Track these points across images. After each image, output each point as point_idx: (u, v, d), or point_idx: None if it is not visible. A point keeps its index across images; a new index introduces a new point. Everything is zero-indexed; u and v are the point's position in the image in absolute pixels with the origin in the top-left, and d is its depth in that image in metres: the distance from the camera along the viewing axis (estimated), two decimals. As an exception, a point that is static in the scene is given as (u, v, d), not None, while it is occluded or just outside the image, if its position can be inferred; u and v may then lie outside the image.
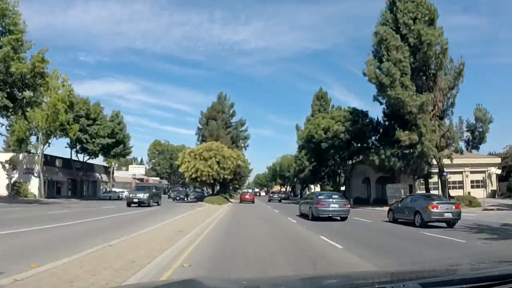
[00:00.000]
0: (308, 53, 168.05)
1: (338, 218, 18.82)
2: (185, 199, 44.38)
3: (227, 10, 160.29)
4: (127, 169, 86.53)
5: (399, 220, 17.73)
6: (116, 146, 44.80)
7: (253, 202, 43.40)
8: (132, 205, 28.29)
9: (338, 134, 39.12)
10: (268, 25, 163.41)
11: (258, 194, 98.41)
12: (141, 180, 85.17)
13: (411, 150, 37.36)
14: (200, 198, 43.63)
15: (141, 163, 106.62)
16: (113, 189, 59.85)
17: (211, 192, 46.76)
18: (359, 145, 39.66)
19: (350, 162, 45.41)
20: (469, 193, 41.92)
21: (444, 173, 34.34)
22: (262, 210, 30.99)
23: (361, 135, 38.58)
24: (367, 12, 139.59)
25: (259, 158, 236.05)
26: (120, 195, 53.32)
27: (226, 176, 38.67)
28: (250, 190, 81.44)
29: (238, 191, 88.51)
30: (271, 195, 62.61)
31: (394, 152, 36.99)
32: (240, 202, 43.28)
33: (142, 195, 28.92)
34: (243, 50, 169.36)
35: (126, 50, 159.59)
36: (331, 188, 63.42)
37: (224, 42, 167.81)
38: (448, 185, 36.88)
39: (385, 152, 35.84)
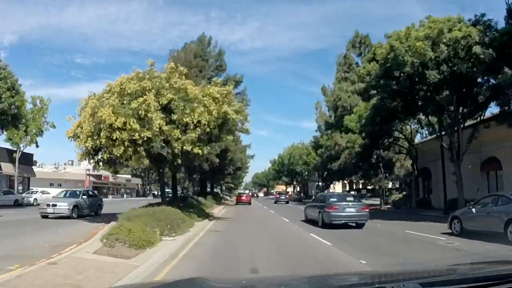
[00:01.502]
0: (306, 53, 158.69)
1: (354, 224, 15.43)
2: None
3: (223, 10, 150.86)
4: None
5: (473, 231, 12.16)
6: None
7: (250, 204, 41.69)
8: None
9: (462, 48, 16.24)
10: (265, 24, 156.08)
11: (255, 195, 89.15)
12: (98, 177, 62.18)
13: None
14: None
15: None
16: (32, 188, 37.27)
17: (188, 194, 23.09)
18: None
19: (460, 127, 22.29)
20: None
21: None
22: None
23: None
24: (366, 12, 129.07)
25: (257, 159, 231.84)
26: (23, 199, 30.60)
27: (196, 150, 14.10)
28: (247, 191, 75.47)
29: (234, 191, 77.88)
30: (277, 196, 55.26)
31: None
32: (236, 204, 41.69)
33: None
34: (240, 50, 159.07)
35: (123, 51, 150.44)
36: (392, 186, 40.55)
37: (220, 42, 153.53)
38: None
39: None
